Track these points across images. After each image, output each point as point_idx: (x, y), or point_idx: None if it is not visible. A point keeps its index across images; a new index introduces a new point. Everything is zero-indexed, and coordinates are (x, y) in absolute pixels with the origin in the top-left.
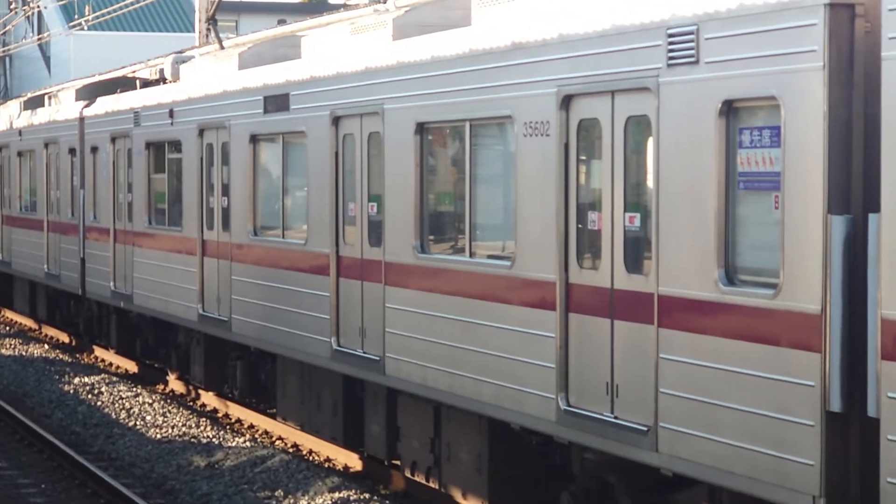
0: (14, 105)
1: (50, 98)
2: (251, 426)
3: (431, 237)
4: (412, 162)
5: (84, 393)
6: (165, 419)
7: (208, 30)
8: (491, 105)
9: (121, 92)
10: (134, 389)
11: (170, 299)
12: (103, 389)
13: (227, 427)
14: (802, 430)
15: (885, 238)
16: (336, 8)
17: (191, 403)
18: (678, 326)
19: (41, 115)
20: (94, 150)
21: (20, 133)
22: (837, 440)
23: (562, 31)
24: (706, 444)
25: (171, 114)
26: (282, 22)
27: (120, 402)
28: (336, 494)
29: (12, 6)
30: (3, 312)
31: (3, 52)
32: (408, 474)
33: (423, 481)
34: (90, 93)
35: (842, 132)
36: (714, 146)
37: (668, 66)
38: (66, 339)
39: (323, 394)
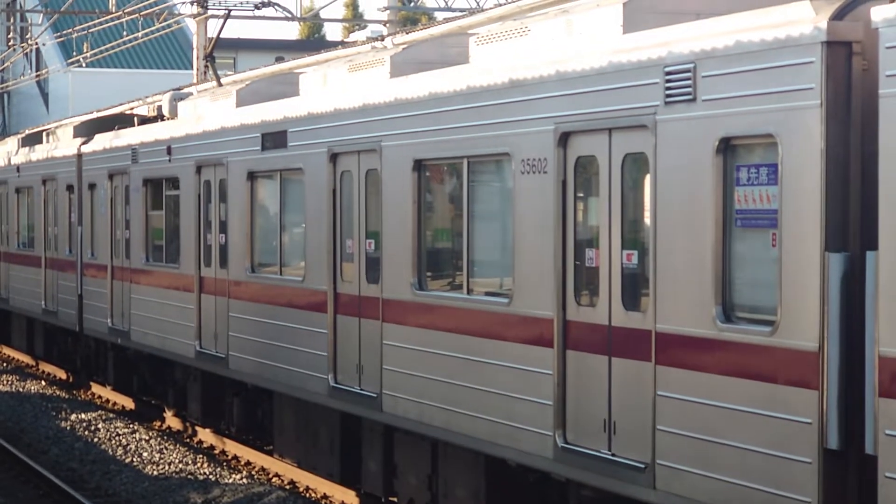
0: (12, 142)
1: (48, 135)
2: (248, 463)
3: (429, 274)
4: (410, 199)
5: (81, 429)
6: (162, 456)
7: (206, 67)
8: (488, 142)
9: (118, 129)
10: (131, 426)
11: (167, 336)
12: (100, 426)
13: (224, 464)
14: (800, 467)
15: (882, 275)
16: (334, 45)
17: (188, 440)
18: (676, 364)
19: (39, 152)
20: (92, 186)
21: (18, 169)
22: (835, 478)
23: (559, 69)
24: (703, 482)
25: (168, 151)
26: (279, 59)
27: (117, 438)
28: None
29: (11, 43)
30: (0, 349)
31: (2, 88)
32: None
33: None
34: (88, 130)
35: (839, 169)
36: (711, 183)
37: (666, 103)
38: (63, 376)
39: (320, 431)
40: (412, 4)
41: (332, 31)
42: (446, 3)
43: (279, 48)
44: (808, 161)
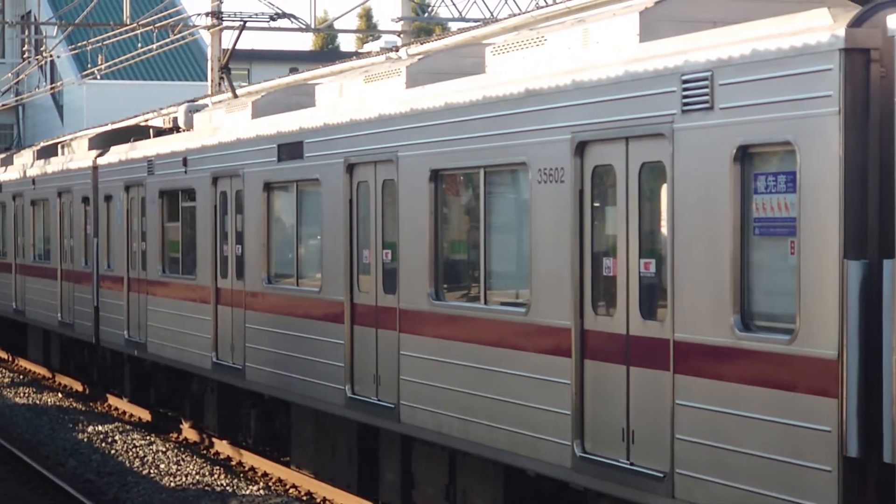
0: (27, 154)
1: (63, 147)
2: (265, 474)
3: (446, 284)
4: (427, 209)
5: (98, 441)
6: (179, 467)
7: (221, 78)
8: (505, 152)
9: (134, 141)
10: (148, 438)
11: (184, 347)
12: (117, 438)
13: (241, 475)
14: (819, 475)
15: None
16: (348, 56)
17: (204, 451)
18: (694, 372)
19: (54, 164)
20: (108, 198)
21: (34, 182)
22: (854, 486)
23: (576, 78)
24: (723, 490)
25: (184, 162)
26: (294, 70)
27: (134, 450)
28: None
29: (25, 55)
30: (17, 361)
31: (17, 101)
32: None
33: None
34: (103, 142)
35: (857, 177)
36: (729, 192)
37: (683, 112)
38: (80, 388)
39: (337, 441)
40: (426, 15)
41: (346, 42)
42: (460, 13)
43: (293, 59)
44: (827, 168)
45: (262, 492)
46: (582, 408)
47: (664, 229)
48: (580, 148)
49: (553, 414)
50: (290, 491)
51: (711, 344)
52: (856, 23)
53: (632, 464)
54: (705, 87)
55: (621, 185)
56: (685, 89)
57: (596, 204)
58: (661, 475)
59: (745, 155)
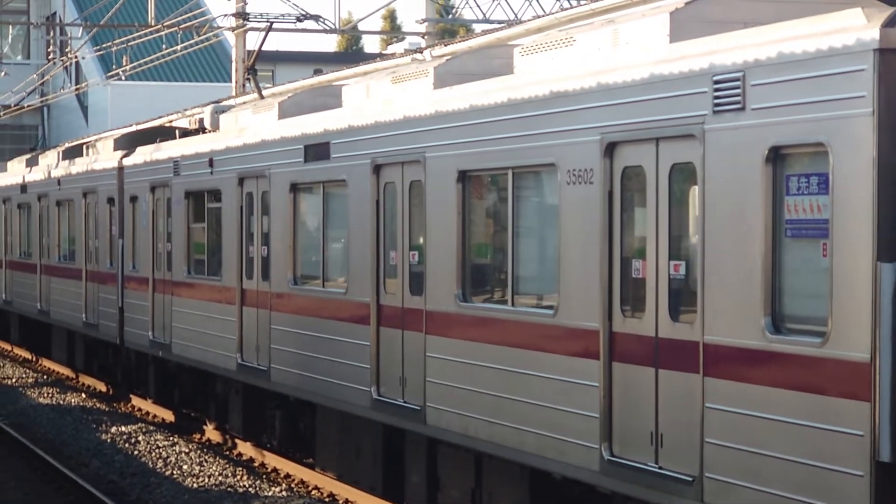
0: (52, 155)
1: (88, 148)
2: (288, 476)
3: (473, 286)
4: (454, 210)
5: (121, 442)
6: (202, 468)
7: (247, 79)
8: (534, 153)
9: (160, 141)
10: (171, 438)
11: (208, 349)
12: (140, 438)
13: (264, 476)
14: (851, 480)
15: None
16: (372, 57)
17: (227, 453)
18: (724, 375)
19: (79, 165)
20: (134, 199)
21: (59, 182)
22: (887, 490)
23: (605, 79)
24: (752, 495)
25: (210, 163)
26: (318, 71)
27: (157, 451)
28: None
29: (51, 56)
30: (41, 361)
31: (42, 101)
32: None
33: None
34: (128, 142)
35: (891, 178)
36: (761, 193)
37: (714, 112)
38: (104, 389)
39: (363, 443)
40: (450, 17)
41: (370, 44)
42: (484, 15)
43: (317, 60)
44: (860, 170)
45: (284, 493)
46: (610, 411)
47: (694, 231)
48: (609, 149)
49: (581, 417)
50: (313, 493)
51: (742, 346)
52: (890, 23)
53: (660, 467)
54: (737, 87)
55: (651, 187)
56: (717, 90)
57: (625, 205)
58: (690, 479)
59: (777, 156)
